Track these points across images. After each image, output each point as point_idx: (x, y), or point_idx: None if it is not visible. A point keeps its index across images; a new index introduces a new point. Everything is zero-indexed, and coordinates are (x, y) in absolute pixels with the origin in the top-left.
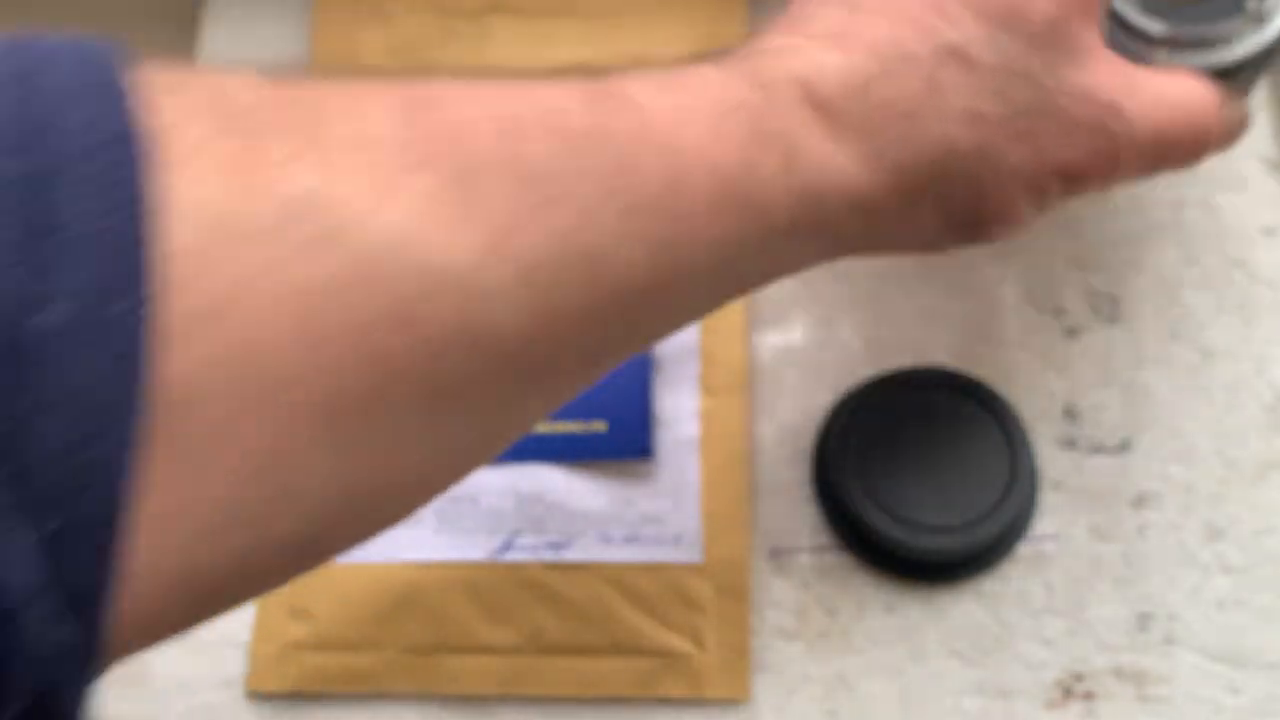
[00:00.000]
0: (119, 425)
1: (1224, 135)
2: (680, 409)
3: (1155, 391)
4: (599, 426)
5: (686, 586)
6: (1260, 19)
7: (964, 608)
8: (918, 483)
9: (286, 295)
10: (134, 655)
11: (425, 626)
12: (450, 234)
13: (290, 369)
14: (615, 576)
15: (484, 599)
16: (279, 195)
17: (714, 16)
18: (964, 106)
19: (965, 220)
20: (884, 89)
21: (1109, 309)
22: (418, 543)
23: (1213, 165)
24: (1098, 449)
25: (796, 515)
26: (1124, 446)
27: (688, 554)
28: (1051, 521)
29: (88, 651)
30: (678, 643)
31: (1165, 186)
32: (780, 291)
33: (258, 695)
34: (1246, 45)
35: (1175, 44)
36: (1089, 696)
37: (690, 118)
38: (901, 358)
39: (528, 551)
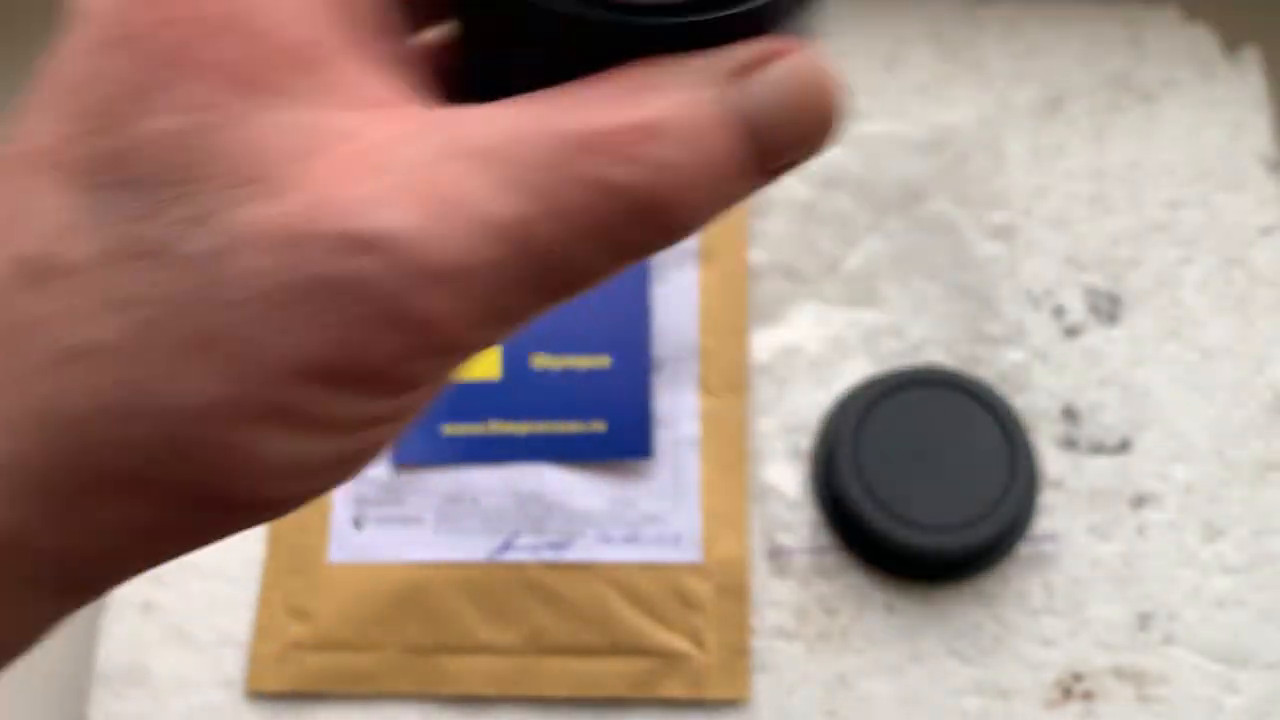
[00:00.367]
0: None
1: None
2: (680, 409)
3: (1155, 391)
4: (599, 426)
5: (686, 586)
6: None
7: (964, 608)
8: (917, 483)
9: None
10: None
11: (425, 626)
12: None
13: None
14: (615, 576)
15: (484, 599)
16: None
17: None
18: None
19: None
20: None
21: (1109, 309)
22: (418, 543)
23: (1212, 165)
24: (1097, 449)
25: (796, 515)
26: (1124, 446)
27: (687, 554)
28: (1051, 521)
29: None
30: (678, 643)
31: (1165, 186)
32: (780, 291)
33: (258, 695)
34: None
35: None
36: (1088, 696)
37: None
38: (901, 358)
39: (527, 551)
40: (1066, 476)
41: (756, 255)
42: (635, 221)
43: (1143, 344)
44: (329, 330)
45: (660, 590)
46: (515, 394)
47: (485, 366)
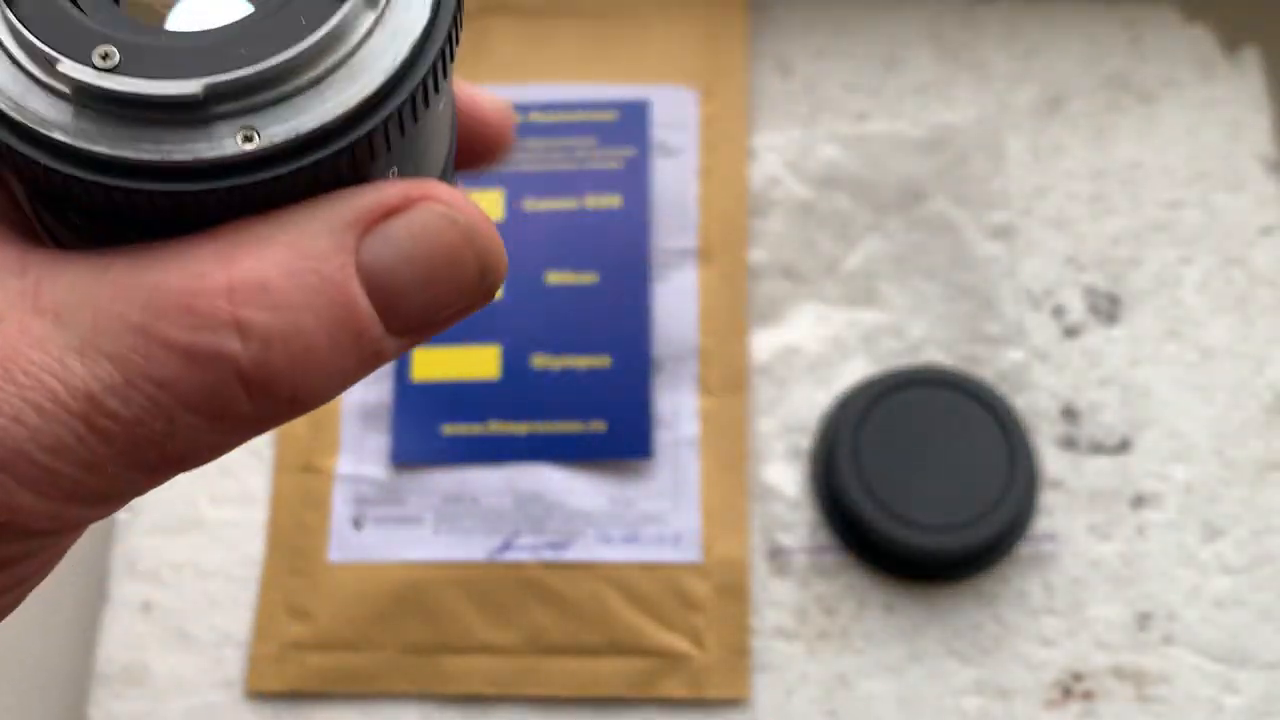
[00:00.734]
0: None
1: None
2: (680, 409)
3: (1155, 391)
4: (599, 426)
5: (686, 586)
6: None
7: (964, 608)
8: (917, 482)
9: None
10: None
11: (425, 626)
12: None
13: None
14: (615, 576)
15: (483, 599)
16: None
17: (714, 16)
18: None
19: None
20: None
21: (1109, 309)
22: (417, 543)
23: (1212, 165)
24: (1097, 449)
25: (796, 515)
26: (1123, 446)
27: (687, 554)
28: (1051, 521)
29: None
30: (677, 643)
31: (1164, 186)
32: (780, 291)
33: (258, 695)
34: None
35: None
36: (1088, 696)
37: None
38: (901, 358)
39: (527, 551)
40: (1066, 476)
41: (756, 255)
42: (240, 393)
43: (1143, 344)
44: None
45: (660, 590)
46: (515, 394)
47: (485, 366)
